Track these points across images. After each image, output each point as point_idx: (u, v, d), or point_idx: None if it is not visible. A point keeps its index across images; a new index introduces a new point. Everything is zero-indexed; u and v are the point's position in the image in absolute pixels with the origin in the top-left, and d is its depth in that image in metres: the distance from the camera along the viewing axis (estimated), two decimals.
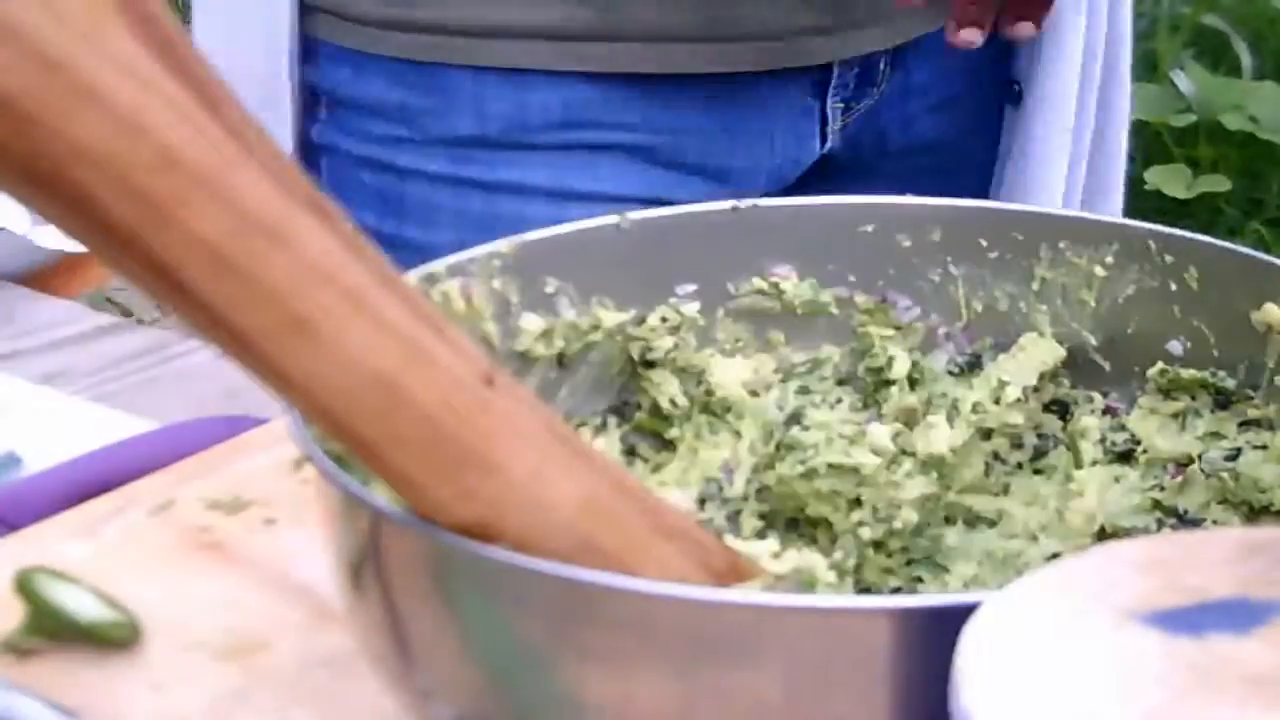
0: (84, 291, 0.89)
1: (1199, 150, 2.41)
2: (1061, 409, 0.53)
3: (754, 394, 0.53)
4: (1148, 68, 2.58)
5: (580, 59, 0.82)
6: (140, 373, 0.75)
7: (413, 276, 0.47)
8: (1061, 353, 0.53)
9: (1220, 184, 2.34)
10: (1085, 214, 0.54)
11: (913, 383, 0.53)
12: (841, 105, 0.87)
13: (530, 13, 0.81)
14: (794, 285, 0.53)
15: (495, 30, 0.82)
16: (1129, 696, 0.26)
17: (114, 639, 0.51)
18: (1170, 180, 2.34)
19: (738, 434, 0.53)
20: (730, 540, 0.44)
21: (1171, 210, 2.32)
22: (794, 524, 0.52)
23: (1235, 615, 0.28)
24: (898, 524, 0.50)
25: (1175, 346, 0.51)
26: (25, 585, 0.51)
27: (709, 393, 0.53)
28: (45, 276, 0.86)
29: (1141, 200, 2.36)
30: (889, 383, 0.53)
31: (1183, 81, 2.44)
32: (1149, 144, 2.45)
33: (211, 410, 0.67)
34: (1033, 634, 0.28)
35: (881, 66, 0.87)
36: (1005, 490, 0.52)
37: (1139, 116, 2.39)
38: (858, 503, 0.50)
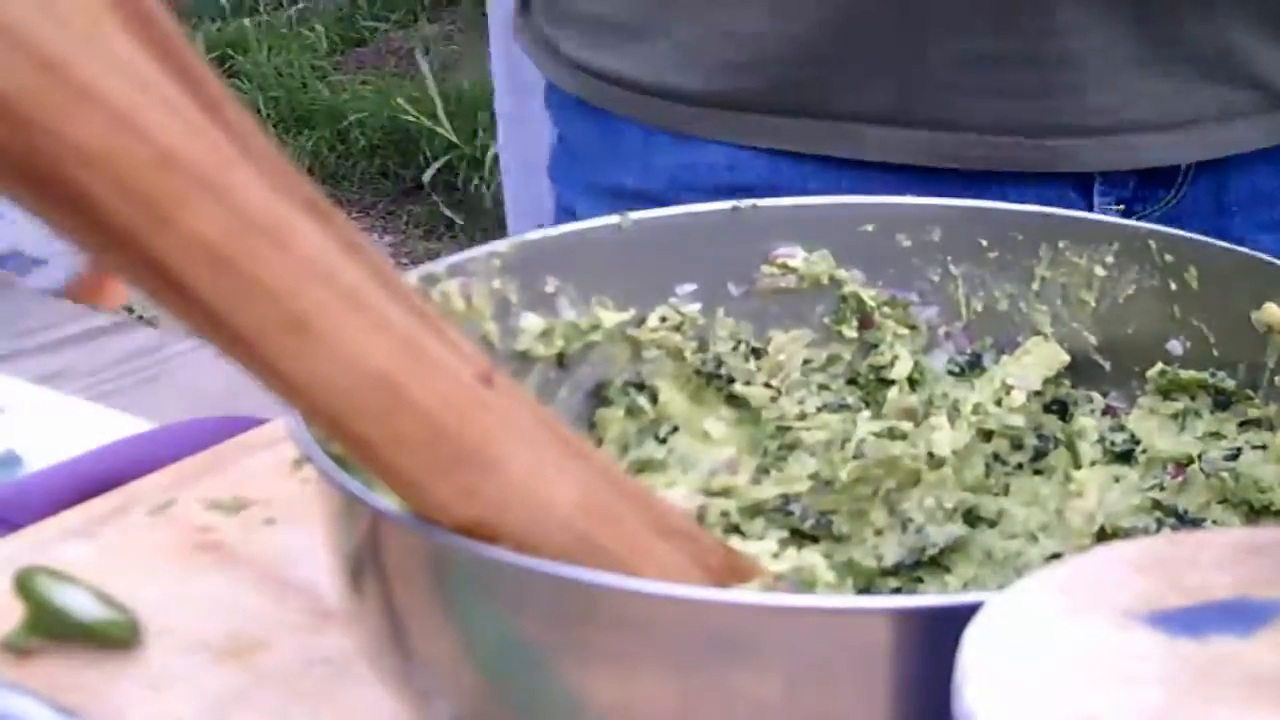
0: None
1: None
2: (1061, 409, 0.53)
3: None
4: None
5: (754, 133, 0.72)
6: (140, 373, 0.75)
7: (412, 276, 0.47)
8: (1065, 357, 0.53)
9: None
10: (1085, 214, 0.54)
11: (912, 383, 0.53)
12: (1119, 207, 0.70)
13: (708, 80, 0.72)
14: (805, 262, 0.53)
15: (667, 92, 0.73)
16: (1130, 697, 0.26)
17: (114, 639, 0.51)
18: None
19: (740, 433, 0.53)
20: (730, 540, 0.44)
21: None
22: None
23: (1236, 616, 0.28)
24: None
25: (1175, 346, 0.51)
26: (25, 585, 0.51)
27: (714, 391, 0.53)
28: None
29: None
30: (888, 383, 0.53)
31: None
32: None
33: (211, 410, 0.67)
34: (1034, 634, 0.28)
35: (1183, 168, 0.70)
36: (1005, 490, 0.52)
37: None
38: None
